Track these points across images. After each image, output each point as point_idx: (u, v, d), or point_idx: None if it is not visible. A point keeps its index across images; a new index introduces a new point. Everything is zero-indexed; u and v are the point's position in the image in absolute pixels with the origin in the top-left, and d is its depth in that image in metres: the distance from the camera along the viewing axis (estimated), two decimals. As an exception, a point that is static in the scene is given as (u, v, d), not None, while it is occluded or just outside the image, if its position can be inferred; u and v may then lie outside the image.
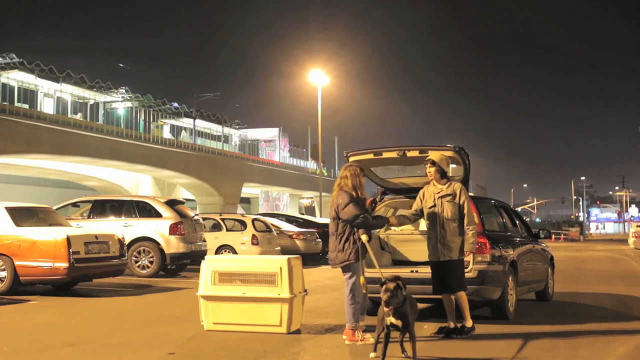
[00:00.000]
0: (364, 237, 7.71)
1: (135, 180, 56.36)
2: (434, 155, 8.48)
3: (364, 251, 7.78)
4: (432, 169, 8.38)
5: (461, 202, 8.24)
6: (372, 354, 6.73)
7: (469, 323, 8.17)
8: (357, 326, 7.72)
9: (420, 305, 9.10)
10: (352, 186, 7.89)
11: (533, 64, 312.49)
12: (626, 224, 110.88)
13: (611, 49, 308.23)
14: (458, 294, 8.24)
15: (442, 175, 8.40)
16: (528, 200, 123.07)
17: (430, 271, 9.15)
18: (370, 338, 7.49)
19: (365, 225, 7.78)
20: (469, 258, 8.40)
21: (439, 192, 8.36)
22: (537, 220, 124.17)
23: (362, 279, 7.75)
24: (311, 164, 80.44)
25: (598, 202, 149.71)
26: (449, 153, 8.80)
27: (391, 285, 6.45)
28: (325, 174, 72.03)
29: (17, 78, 45.70)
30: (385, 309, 6.47)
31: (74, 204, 18.67)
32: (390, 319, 6.48)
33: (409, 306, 6.57)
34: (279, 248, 21.59)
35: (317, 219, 30.46)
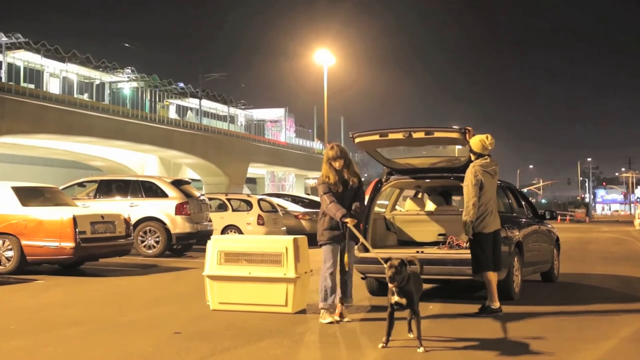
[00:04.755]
0: (348, 220, 7.73)
1: (141, 161, 56.36)
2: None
3: (351, 234, 7.80)
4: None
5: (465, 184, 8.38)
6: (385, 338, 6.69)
7: (494, 304, 8.30)
8: (325, 305, 7.79)
9: (426, 286, 9.13)
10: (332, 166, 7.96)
11: (541, 47, 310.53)
12: (632, 205, 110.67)
13: (619, 33, 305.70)
14: (483, 275, 8.42)
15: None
16: (534, 181, 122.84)
17: (435, 252, 9.36)
18: (327, 317, 7.69)
19: (326, 205, 7.85)
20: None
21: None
22: (543, 201, 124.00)
23: (345, 258, 7.84)
24: (317, 145, 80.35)
25: (604, 184, 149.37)
26: (454, 135, 8.79)
27: (395, 262, 6.42)
28: (331, 154, 71.80)
29: (23, 58, 45.61)
30: (390, 285, 6.46)
31: (80, 184, 18.75)
32: (395, 298, 6.47)
33: (413, 284, 6.54)
34: (284, 228, 21.63)
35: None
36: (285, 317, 7.99)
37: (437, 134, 9.28)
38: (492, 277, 8.40)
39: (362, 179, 8.24)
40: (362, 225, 9.01)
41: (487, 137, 8.57)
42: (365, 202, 9.82)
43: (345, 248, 7.93)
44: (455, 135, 8.83)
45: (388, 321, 6.45)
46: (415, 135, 9.21)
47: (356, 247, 8.72)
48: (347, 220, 7.71)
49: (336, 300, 7.87)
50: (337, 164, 7.90)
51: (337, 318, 7.78)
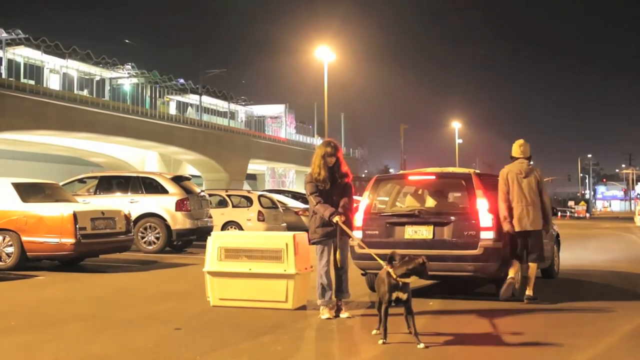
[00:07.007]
0: (338, 218, 7.72)
1: (141, 157, 56.43)
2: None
3: (343, 231, 7.76)
4: None
5: None
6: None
7: (527, 291, 8.97)
8: (323, 302, 7.84)
9: (426, 283, 9.15)
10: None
11: (542, 43, 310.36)
12: (632, 201, 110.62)
13: (620, 30, 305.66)
14: None
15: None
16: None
17: None
18: (325, 313, 7.71)
19: (314, 206, 7.88)
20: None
21: None
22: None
23: (338, 255, 7.82)
24: (317, 141, 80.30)
25: (604, 180, 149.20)
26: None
27: (423, 259, 6.56)
28: (332, 150, 71.75)
29: (23, 54, 45.64)
30: (400, 280, 6.46)
31: (81, 180, 18.73)
32: (398, 294, 6.48)
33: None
34: (284, 224, 21.62)
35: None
36: (285, 313, 8.00)
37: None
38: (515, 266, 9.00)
39: (363, 176, 8.27)
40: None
41: (517, 143, 9.85)
42: (366, 199, 9.86)
43: (337, 244, 7.89)
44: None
45: (384, 317, 6.47)
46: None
47: (356, 244, 8.71)
48: (337, 218, 7.72)
49: (333, 296, 7.89)
50: (330, 161, 7.92)
51: (334, 314, 7.80)
